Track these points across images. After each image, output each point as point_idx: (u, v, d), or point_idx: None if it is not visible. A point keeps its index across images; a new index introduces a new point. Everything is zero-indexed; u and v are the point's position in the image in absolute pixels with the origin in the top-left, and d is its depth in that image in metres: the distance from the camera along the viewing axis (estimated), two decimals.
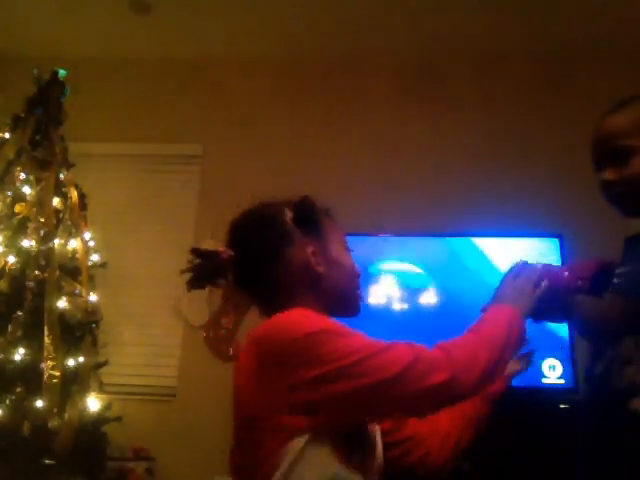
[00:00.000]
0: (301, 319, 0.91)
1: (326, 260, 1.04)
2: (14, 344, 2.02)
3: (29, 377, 2.01)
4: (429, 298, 2.50)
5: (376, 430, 1.06)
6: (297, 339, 0.86)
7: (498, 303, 1.05)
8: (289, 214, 1.07)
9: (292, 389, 0.85)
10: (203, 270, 1.04)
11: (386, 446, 1.07)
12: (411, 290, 2.52)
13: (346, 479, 0.86)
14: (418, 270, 2.55)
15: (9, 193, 2.27)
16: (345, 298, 1.05)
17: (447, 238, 2.64)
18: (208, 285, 1.05)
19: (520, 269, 1.12)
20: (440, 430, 1.16)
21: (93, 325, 2.30)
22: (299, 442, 0.83)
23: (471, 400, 1.13)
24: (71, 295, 2.22)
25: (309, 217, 1.06)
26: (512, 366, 1.24)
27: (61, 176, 2.40)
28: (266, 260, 1.03)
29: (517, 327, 1.00)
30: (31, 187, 2.29)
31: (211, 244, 2.99)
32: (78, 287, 2.27)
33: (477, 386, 0.90)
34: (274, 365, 0.87)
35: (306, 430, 0.84)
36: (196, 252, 1.05)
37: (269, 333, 0.91)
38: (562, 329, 2.35)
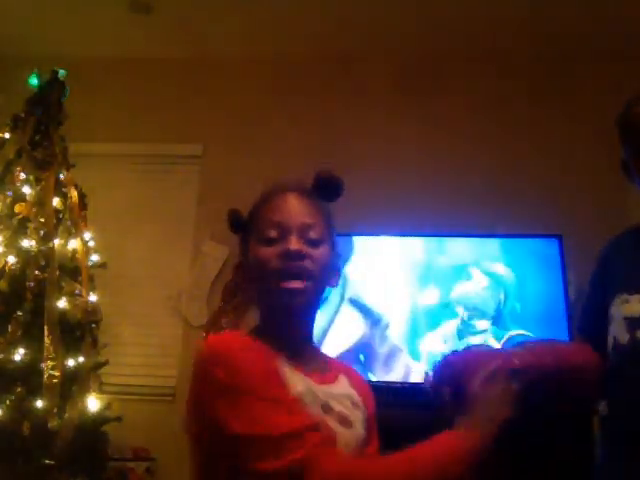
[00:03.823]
0: (235, 355, 0.86)
1: (248, 269, 1.00)
2: (14, 344, 2.02)
3: (29, 377, 2.01)
4: (429, 298, 2.50)
5: None
6: (220, 384, 0.82)
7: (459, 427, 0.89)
8: None
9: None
10: None
11: None
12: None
13: None
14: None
15: (9, 193, 2.28)
16: (265, 295, 0.97)
17: (447, 238, 2.64)
18: None
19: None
20: None
21: (93, 325, 2.30)
22: None
23: None
24: (71, 295, 2.22)
25: (235, 231, 1.05)
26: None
27: (61, 176, 2.40)
28: None
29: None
30: (31, 187, 2.29)
31: (211, 245, 3.01)
32: (78, 287, 2.27)
33: None
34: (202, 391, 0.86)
35: None
36: None
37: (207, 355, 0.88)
38: (562, 329, 2.34)
